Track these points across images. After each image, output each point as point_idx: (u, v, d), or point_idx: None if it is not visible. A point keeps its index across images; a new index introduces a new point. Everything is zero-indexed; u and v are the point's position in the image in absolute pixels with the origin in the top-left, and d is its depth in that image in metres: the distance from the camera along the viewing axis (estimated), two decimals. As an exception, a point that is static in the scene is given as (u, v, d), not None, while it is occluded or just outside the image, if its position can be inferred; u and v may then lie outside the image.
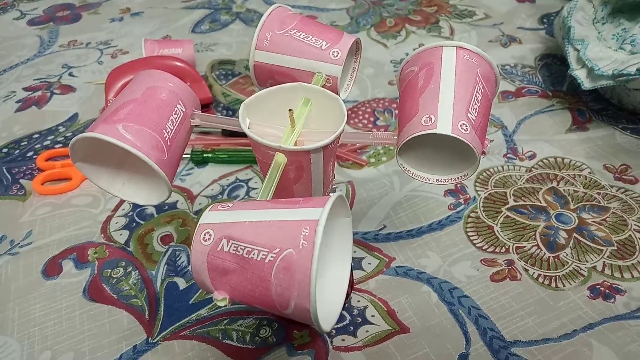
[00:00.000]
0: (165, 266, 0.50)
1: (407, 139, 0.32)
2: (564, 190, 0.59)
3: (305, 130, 0.37)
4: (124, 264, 0.50)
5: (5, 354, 0.43)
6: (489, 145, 0.42)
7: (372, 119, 0.72)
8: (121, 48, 0.87)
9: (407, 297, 0.48)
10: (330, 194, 0.28)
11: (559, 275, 0.50)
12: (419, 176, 0.35)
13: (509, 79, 0.80)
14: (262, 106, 0.38)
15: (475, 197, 0.59)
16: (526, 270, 0.50)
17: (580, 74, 0.68)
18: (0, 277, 0.49)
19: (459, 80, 0.34)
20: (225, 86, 0.78)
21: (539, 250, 0.52)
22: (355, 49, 0.45)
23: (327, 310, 0.30)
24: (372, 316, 0.47)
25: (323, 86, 0.40)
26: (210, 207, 0.30)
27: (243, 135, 0.64)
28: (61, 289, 0.48)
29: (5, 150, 0.65)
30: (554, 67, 0.82)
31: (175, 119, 0.35)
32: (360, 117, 0.72)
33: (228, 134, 0.68)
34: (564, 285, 0.49)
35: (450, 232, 0.55)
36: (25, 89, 0.76)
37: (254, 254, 0.26)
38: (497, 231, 0.55)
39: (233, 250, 0.27)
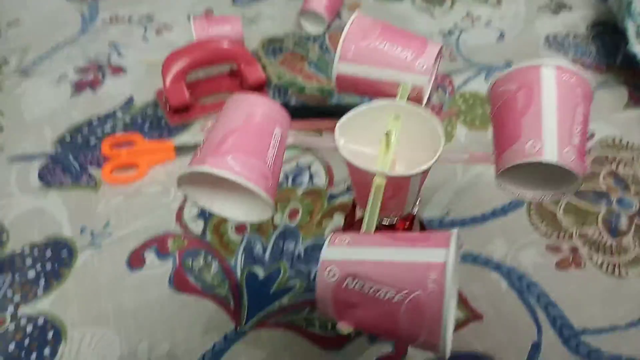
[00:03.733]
0: (243, 255, 0.52)
1: (511, 165, 0.33)
2: (623, 174, 0.60)
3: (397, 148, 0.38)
4: (203, 253, 0.53)
5: (106, 345, 0.46)
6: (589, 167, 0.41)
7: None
8: (165, 23, 0.86)
9: (477, 285, 0.50)
10: (450, 232, 0.29)
11: (622, 262, 0.52)
12: (516, 193, 0.36)
13: (562, 52, 0.78)
14: (353, 124, 0.39)
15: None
16: (590, 258, 0.52)
17: (641, 50, 0.67)
18: (89, 270, 0.52)
19: (560, 103, 0.34)
20: (276, 63, 0.78)
21: (602, 236, 0.54)
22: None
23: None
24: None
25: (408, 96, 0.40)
26: (328, 239, 0.31)
27: (299, 117, 0.65)
28: (148, 281, 0.51)
29: (68, 137, 0.66)
30: (607, 37, 0.80)
31: (275, 143, 0.36)
32: (413, 95, 0.72)
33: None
34: (627, 274, 0.50)
35: (514, 218, 0.56)
36: (76, 71, 0.76)
37: (380, 294, 0.28)
38: (560, 217, 0.56)
39: (359, 288, 0.28)
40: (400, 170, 0.38)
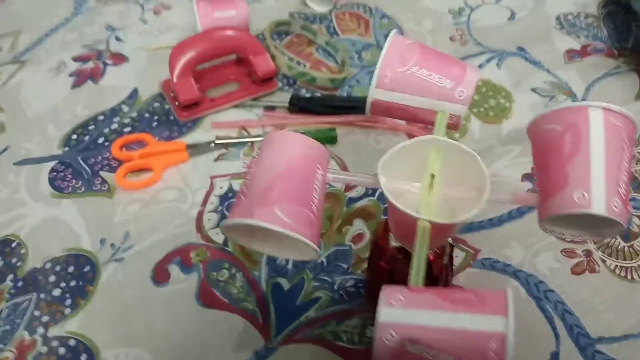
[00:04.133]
0: (267, 266, 0.53)
1: (559, 214, 0.33)
2: (635, 170, 0.61)
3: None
4: (227, 265, 0.53)
5: (140, 365, 0.47)
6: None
7: (436, 85, 0.71)
8: (162, 1, 0.81)
9: (497, 293, 0.52)
10: (505, 294, 0.29)
11: (634, 266, 0.53)
12: (558, 232, 0.37)
13: (573, 34, 0.77)
14: (393, 160, 0.38)
15: (549, 181, 0.60)
16: (603, 262, 0.54)
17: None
18: (114, 286, 0.52)
19: (608, 149, 0.33)
20: (280, 47, 0.75)
21: (614, 239, 0.55)
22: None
23: None
24: (468, 314, 0.50)
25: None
26: (382, 299, 0.31)
27: (311, 111, 0.63)
28: (175, 297, 0.51)
29: (74, 136, 0.64)
30: (618, 17, 0.79)
31: (318, 186, 0.35)
32: (425, 84, 0.71)
33: (296, 109, 0.67)
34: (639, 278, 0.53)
35: (530, 220, 0.57)
36: (74, 59, 0.73)
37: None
38: (574, 219, 0.57)
39: (418, 352, 0.29)
40: (441, 208, 0.38)
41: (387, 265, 0.46)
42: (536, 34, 0.77)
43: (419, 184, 0.37)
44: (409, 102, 0.40)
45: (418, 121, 0.42)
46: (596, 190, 0.33)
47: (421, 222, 0.34)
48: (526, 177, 0.60)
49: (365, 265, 0.53)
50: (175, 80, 0.63)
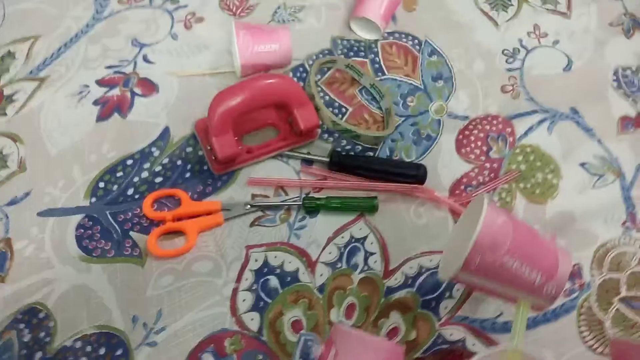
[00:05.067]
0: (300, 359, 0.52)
1: None
2: (674, 276, 0.60)
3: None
4: (261, 357, 0.52)
5: None
6: None
7: (484, 147, 0.67)
8: (193, 11, 0.73)
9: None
10: None
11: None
12: None
13: (630, 97, 0.73)
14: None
15: (589, 283, 0.59)
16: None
17: None
18: (148, 374, 0.51)
19: None
20: (321, 83, 0.70)
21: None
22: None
23: None
24: None
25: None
26: None
27: (350, 169, 0.60)
28: (210, 390, 0.51)
29: (102, 184, 0.60)
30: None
31: None
32: (472, 146, 0.67)
33: (336, 168, 0.63)
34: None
35: (564, 325, 0.56)
36: (99, 83, 0.66)
37: None
38: (607, 328, 0.57)
39: None
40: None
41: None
42: (592, 90, 0.73)
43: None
44: (493, 288, 0.38)
45: (499, 298, 0.40)
46: None
47: None
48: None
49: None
50: (214, 136, 0.58)
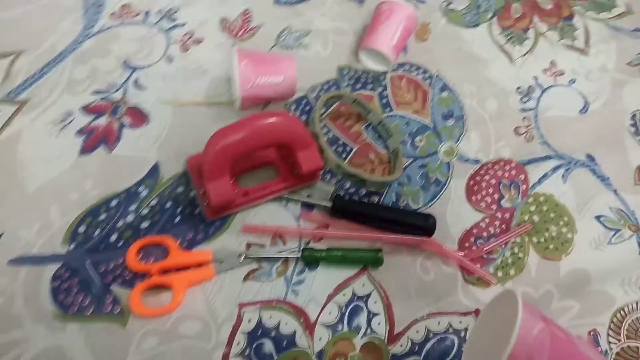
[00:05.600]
0: None
1: None
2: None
3: None
4: None
5: None
6: None
7: (495, 195, 0.63)
8: (192, 31, 0.68)
9: None
10: None
11: None
12: None
13: (647, 147, 0.69)
14: None
15: (607, 350, 0.55)
16: None
17: None
18: None
19: None
20: (325, 117, 0.65)
21: None
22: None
23: None
24: None
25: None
26: None
27: (354, 216, 0.56)
28: None
29: (82, 229, 0.54)
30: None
31: None
32: (483, 193, 0.63)
33: (339, 215, 0.58)
34: None
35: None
36: (84, 109, 0.60)
37: None
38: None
39: None
40: None
41: None
42: (608, 136, 0.69)
43: None
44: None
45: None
46: None
47: None
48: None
49: None
50: (208, 181, 0.53)
